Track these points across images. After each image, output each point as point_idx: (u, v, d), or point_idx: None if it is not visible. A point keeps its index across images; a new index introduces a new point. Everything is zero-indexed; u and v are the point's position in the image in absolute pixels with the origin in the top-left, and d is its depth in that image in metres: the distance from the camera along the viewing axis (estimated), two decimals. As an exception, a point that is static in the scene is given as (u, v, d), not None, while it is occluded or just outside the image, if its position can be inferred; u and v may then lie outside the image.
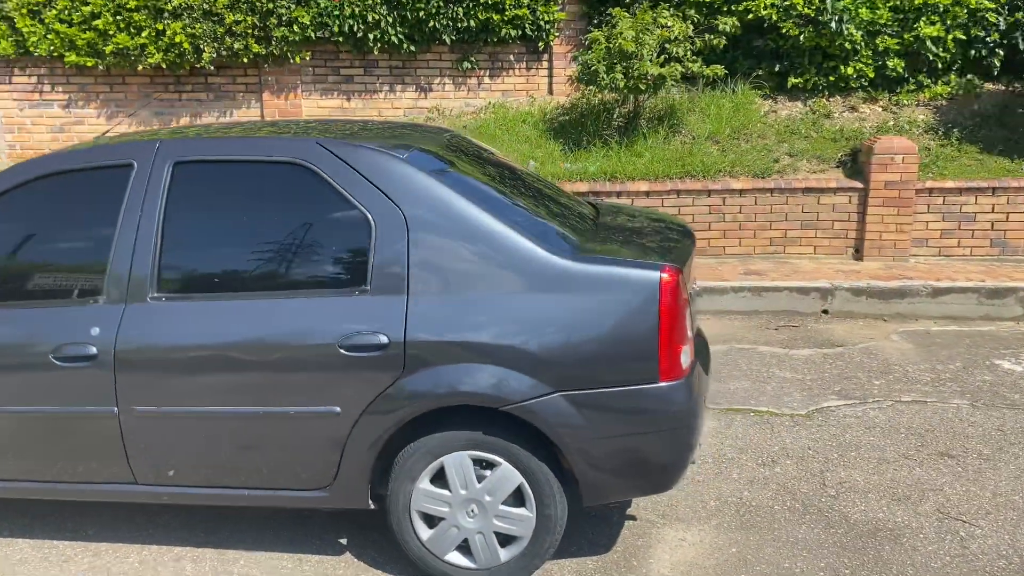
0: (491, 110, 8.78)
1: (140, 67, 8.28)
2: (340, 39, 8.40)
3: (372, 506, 3.08)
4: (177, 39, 8.07)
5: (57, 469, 3.14)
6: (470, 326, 2.86)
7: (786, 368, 5.32)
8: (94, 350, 2.98)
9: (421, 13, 8.28)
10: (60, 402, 3.03)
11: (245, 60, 8.35)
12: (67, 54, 8.20)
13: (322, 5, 8.18)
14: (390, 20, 8.32)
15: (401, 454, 2.99)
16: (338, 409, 2.92)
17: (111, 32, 8.11)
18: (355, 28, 8.28)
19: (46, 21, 8.15)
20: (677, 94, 8.26)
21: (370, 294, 2.90)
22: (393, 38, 8.39)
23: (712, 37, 7.94)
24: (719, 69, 7.90)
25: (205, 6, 8.08)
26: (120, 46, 8.12)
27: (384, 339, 2.86)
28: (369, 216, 2.93)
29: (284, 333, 2.92)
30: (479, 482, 2.98)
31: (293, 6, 8.17)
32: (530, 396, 2.85)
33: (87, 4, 8.07)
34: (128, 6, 8.04)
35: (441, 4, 8.24)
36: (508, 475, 2.95)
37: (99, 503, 3.56)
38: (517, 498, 2.99)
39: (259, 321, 2.93)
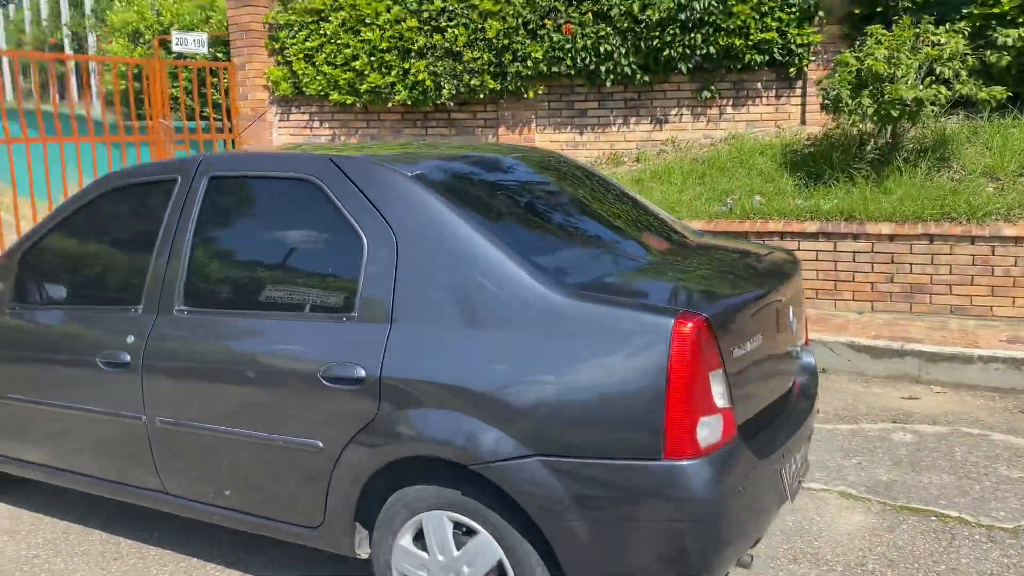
0: (729, 141, 8.08)
1: (390, 104, 8.84)
2: (572, 72, 8.27)
3: (360, 555, 2.77)
4: (420, 77, 8.50)
5: (103, 467, 3.26)
6: (444, 365, 2.47)
7: (1016, 467, 4.08)
8: (127, 357, 3.04)
9: (655, 42, 7.88)
10: (104, 404, 3.14)
11: (482, 96, 8.55)
12: (331, 93, 9.01)
13: (554, 39, 8.12)
14: (623, 51, 8.03)
15: (385, 504, 2.67)
16: (320, 443, 2.67)
17: (366, 72, 8.76)
18: (587, 60, 8.11)
19: (316, 64, 9.03)
20: (952, 121, 6.94)
21: (355, 321, 2.63)
22: (626, 69, 8.08)
23: (991, 53, 6.56)
24: (1000, 91, 6.49)
25: (447, 45, 8.41)
26: (373, 85, 8.73)
27: (361, 372, 2.57)
28: (363, 236, 2.67)
29: (274, 357, 2.75)
30: (457, 549, 2.55)
31: (527, 41, 8.21)
32: (503, 456, 2.38)
33: (348, 47, 8.80)
34: (380, 47, 8.64)
35: (677, 32, 7.77)
36: (487, 547, 2.49)
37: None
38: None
39: (255, 342, 2.80)
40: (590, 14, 8.02)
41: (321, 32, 8.95)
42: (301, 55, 9.11)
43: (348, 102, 9.00)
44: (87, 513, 3.85)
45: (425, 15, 8.48)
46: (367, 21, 8.69)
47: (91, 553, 3.48)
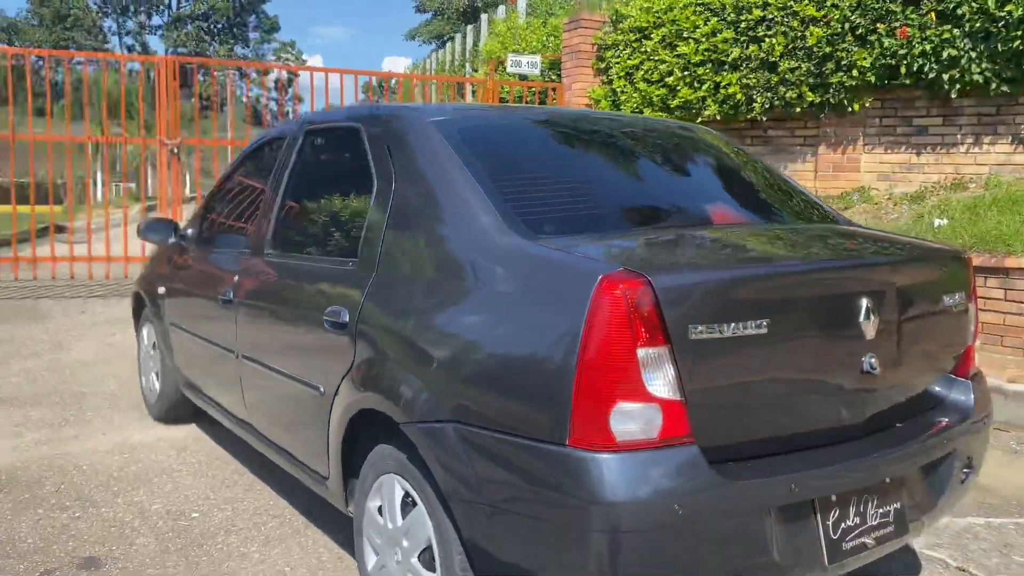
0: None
1: (699, 120, 8.43)
2: (907, 81, 7.11)
3: (349, 513, 2.60)
4: (731, 90, 7.98)
5: (220, 396, 3.51)
6: (401, 315, 2.23)
7: None
8: (231, 295, 3.24)
9: (1017, 43, 6.44)
10: (219, 339, 3.38)
11: (798, 110, 7.74)
12: (645, 110, 8.87)
13: (885, 45, 7.07)
14: (972, 55, 6.69)
15: (364, 463, 2.47)
16: (321, 388, 2.57)
17: (679, 88, 8.47)
18: (926, 68, 6.91)
19: (634, 81, 8.97)
20: None
21: (355, 267, 2.50)
22: (976, 77, 6.71)
23: None
24: None
25: (762, 56, 7.79)
26: (684, 100, 8.41)
27: (346, 318, 2.43)
28: (375, 179, 2.54)
29: (299, 299, 2.77)
30: (403, 519, 2.26)
31: (853, 48, 7.25)
32: (423, 418, 2.06)
33: (664, 63, 8.60)
34: (694, 61, 8.29)
35: (1052, 27, 6.27)
36: (422, 522, 2.16)
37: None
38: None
39: (288, 284, 2.86)
40: (932, 15, 6.82)
41: (642, 49, 8.87)
42: (623, 73, 9.12)
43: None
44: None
45: (743, 25, 7.94)
46: (684, 35, 8.41)
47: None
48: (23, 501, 3.29)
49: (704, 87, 8.22)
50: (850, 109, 7.49)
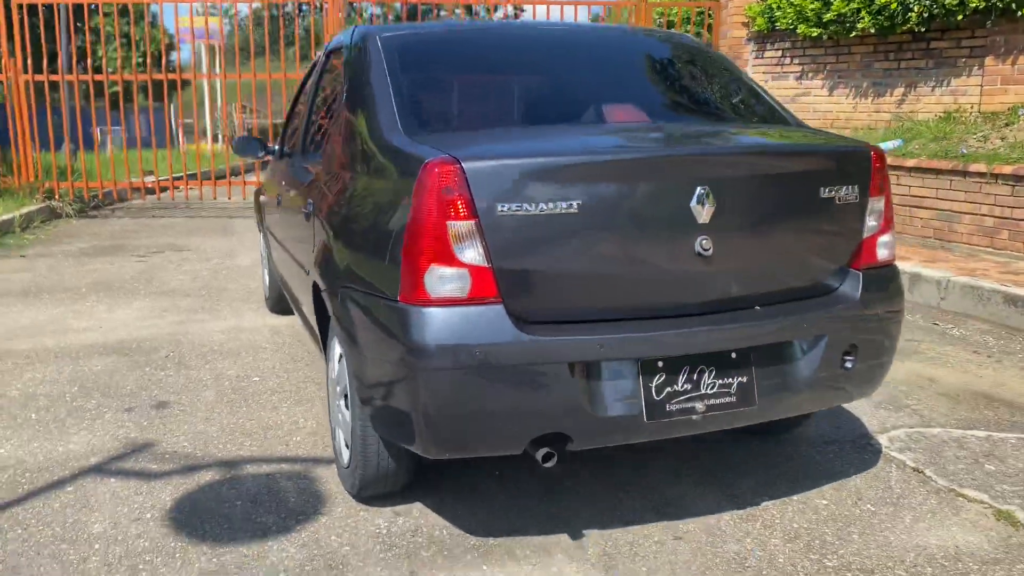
0: None
1: (852, 34, 7.95)
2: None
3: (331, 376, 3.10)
4: (883, 0, 7.45)
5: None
6: (331, 203, 2.70)
7: None
8: (279, 202, 3.82)
9: None
10: (282, 239, 3.97)
11: (960, 17, 7.11)
12: (800, 26, 8.48)
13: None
14: None
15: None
16: (306, 270, 3.07)
17: (831, 0, 8.02)
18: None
19: (790, -5, 8.57)
20: None
21: (319, 162, 3.00)
22: None
23: None
24: None
25: (922, -41, 7.19)
26: (837, 13, 7.96)
27: (310, 208, 2.94)
28: (343, 90, 2.93)
29: (299, 199, 3.27)
30: (337, 371, 2.72)
31: (1025, -58, 6.53)
32: (330, 286, 2.53)
33: (818, -26, 8.15)
34: (848, -30, 7.80)
35: None
36: (343, 371, 2.62)
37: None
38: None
39: (298, 185, 3.36)
40: None
41: (799, -40, 8.45)
42: (779, -13, 8.74)
43: (814, 35, 8.36)
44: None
45: (902, -74, 7.35)
46: (840, -58, 7.91)
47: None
48: (138, 362, 4.14)
49: (857, -2, 7.72)
50: (1020, 14, 6.77)
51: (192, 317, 5.04)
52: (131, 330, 4.71)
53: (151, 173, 11.43)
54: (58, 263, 6.75)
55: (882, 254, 2.52)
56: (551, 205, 2.08)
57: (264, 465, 2.96)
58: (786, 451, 3.08)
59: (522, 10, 10.97)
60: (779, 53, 9.08)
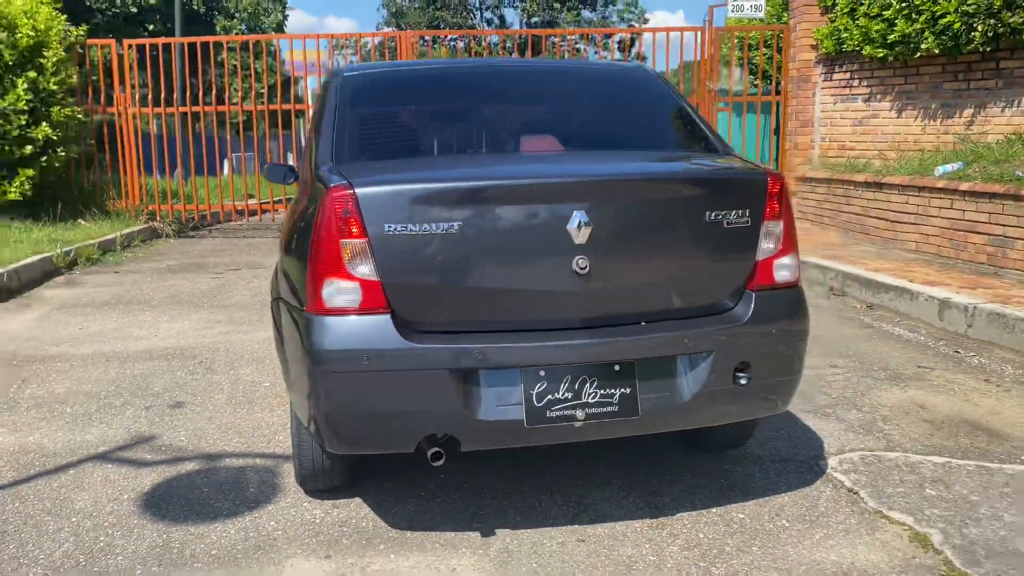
0: None
1: (917, 55, 7.78)
2: None
3: None
4: (946, 20, 7.27)
5: None
6: (287, 219, 3.02)
7: None
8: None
9: None
10: None
11: (1026, 36, 6.86)
12: (865, 47, 8.34)
13: None
14: None
15: None
16: None
17: (896, 20, 7.87)
18: None
19: (856, 16, 8.45)
20: None
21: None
22: None
23: None
24: None
25: (986, -23, 6.99)
26: (901, 34, 7.80)
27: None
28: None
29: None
30: None
31: (1090, -42, 6.27)
32: (273, 295, 2.86)
33: (883, -6, 8.01)
34: (911, -10, 7.64)
35: None
36: None
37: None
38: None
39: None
40: None
41: (866, -18, 8.33)
42: (847, 9, 8.63)
43: (880, 56, 8.20)
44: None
45: (966, -55, 7.16)
46: (904, -38, 7.76)
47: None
48: (174, 366, 4.59)
49: (921, 18, 7.56)
50: (1090, 31, 6.49)
51: (239, 328, 5.50)
52: (181, 339, 5.21)
53: (253, 196, 12.27)
54: (143, 278, 7.44)
55: (781, 275, 2.61)
56: (435, 226, 2.32)
57: (241, 459, 3.30)
58: (727, 467, 3.17)
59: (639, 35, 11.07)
60: (847, 75, 8.93)
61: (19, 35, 8.97)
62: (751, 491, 2.97)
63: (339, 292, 2.35)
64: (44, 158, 9.16)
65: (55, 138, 9.18)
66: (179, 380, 4.34)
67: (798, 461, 3.22)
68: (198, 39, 10.20)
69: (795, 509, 2.84)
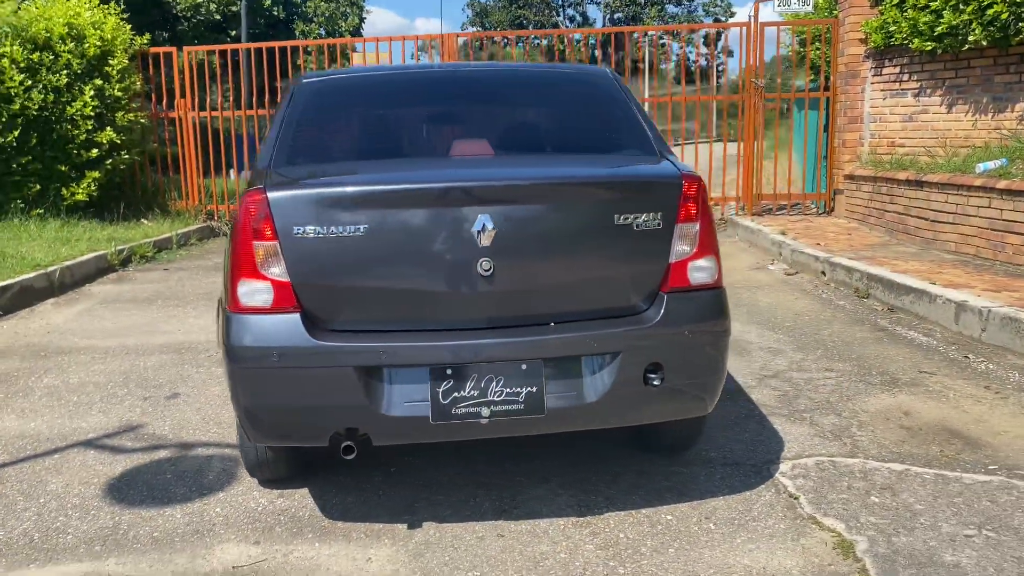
0: None
1: (965, 47, 7.46)
2: None
3: None
4: (994, 10, 6.96)
5: None
6: None
7: None
8: None
9: None
10: None
11: (1078, 26, 6.51)
12: (914, 40, 8.05)
13: None
14: None
15: None
16: None
17: (943, 12, 7.57)
18: None
19: (904, 8, 8.16)
20: None
21: None
22: None
23: None
24: None
25: (1033, -36, 6.66)
26: (947, 25, 7.50)
27: None
28: None
29: None
30: None
31: None
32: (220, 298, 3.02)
33: (930, -15, 7.71)
34: (957, -20, 7.33)
35: None
36: None
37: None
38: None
39: None
40: None
41: (915, -28, 8.03)
42: (895, 0, 8.34)
43: (928, 49, 7.90)
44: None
45: (1013, -69, 6.84)
46: (951, -49, 7.45)
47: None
48: (184, 359, 4.83)
49: (968, 9, 7.26)
50: None
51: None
52: (200, 334, 5.47)
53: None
54: (189, 276, 7.80)
55: (696, 277, 2.61)
56: (341, 229, 2.42)
57: (211, 449, 3.47)
58: (674, 469, 3.16)
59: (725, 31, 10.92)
60: (897, 69, 8.63)
61: (87, 45, 9.51)
62: (689, 493, 2.97)
63: (253, 292, 2.47)
64: (109, 161, 9.68)
65: (119, 142, 9.70)
66: (184, 373, 4.57)
67: (749, 465, 3.20)
68: (266, 44, 10.55)
69: (727, 513, 2.82)
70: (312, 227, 2.42)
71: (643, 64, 20.59)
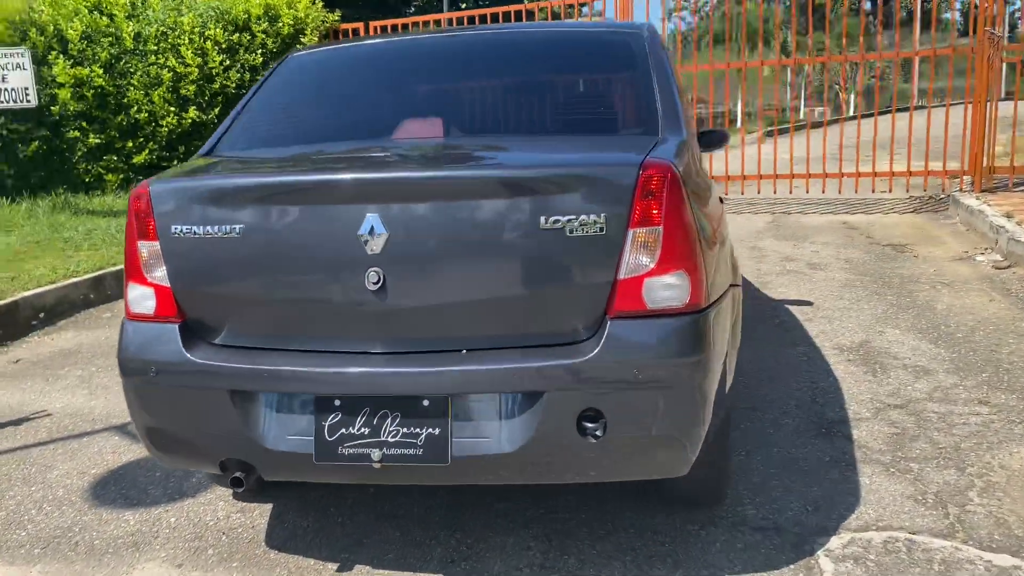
0: None
1: None
2: None
3: None
4: None
5: None
6: None
7: None
8: None
9: None
10: None
11: None
12: None
13: None
14: None
15: None
16: None
17: None
18: None
19: None
20: None
21: None
22: None
23: None
24: None
25: None
26: None
27: None
28: None
29: None
30: None
31: None
32: None
33: None
34: None
35: None
36: None
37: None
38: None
39: None
40: None
41: None
42: None
43: None
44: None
45: None
46: None
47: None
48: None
49: None
50: None
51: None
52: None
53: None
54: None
55: (658, 298, 1.96)
56: (216, 228, 2.07)
57: (220, 445, 3.31)
58: (688, 528, 2.52)
59: None
60: None
61: (280, 24, 9.95)
62: (687, 564, 2.33)
63: (140, 298, 2.21)
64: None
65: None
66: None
67: (791, 532, 2.48)
68: (455, 14, 10.47)
69: (722, 599, 2.17)
70: (190, 226, 2.10)
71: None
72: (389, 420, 2.02)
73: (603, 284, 1.97)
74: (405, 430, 2.01)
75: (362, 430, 2.04)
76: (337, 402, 2.05)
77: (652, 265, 1.96)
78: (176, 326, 2.17)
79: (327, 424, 2.05)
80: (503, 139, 2.44)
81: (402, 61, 2.86)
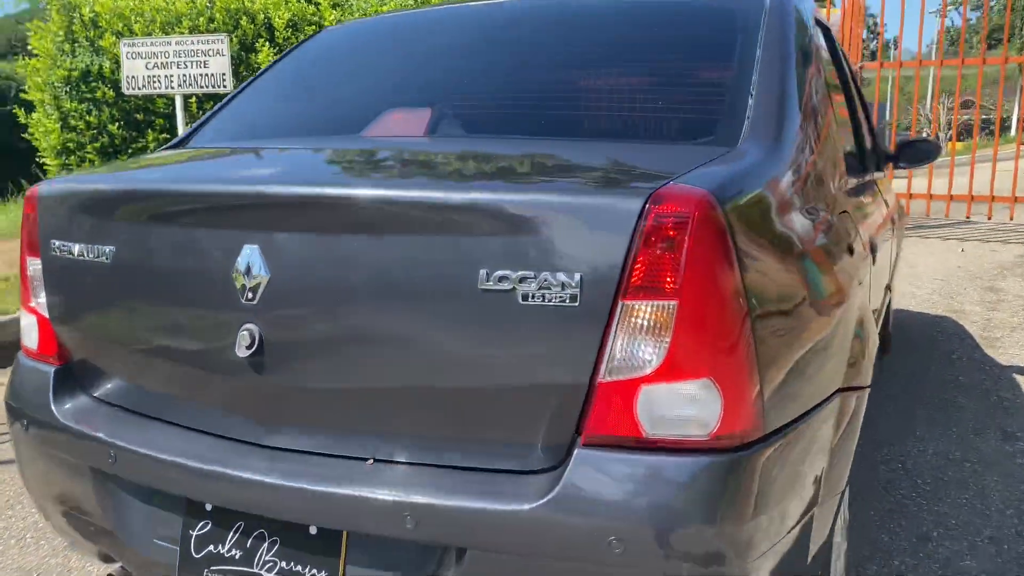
0: None
1: None
2: None
3: None
4: None
5: None
6: None
7: None
8: None
9: None
10: None
11: None
12: None
13: None
14: None
15: None
16: None
17: None
18: None
19: None
20: None
21: None
22: None
23: None
24: None
25: None
26: None
27: None
28: None
29: None
30: None
31: None
32: None
33: None
34: None
35: None
36: None
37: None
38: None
39: None
40: None
41: None
42: None
43: None
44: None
45: None
46: None
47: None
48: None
49: None
50: None
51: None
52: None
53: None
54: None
55: (660, 419, 1.13)
56: (88, 249, 1.52)
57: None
58: None
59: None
60: None
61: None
62: None
63: (27, 327, 1.72)
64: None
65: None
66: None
67: None
68: None
69: None
70: (67, 242, 1.57)
71: None
72: (266, 546, 1.38)
73: (571, 387, 1.18)
74: (284, 565, 1.36)
75: (232, 552, 1.40)
76: (208, 507, 1.44)
77: (656, 363, 1.14)
78: (52, 369, 1.65)
79: (195, 534, 1.45)
80: (502, 142, 1.68)
81: (449, 36, 2.15)
